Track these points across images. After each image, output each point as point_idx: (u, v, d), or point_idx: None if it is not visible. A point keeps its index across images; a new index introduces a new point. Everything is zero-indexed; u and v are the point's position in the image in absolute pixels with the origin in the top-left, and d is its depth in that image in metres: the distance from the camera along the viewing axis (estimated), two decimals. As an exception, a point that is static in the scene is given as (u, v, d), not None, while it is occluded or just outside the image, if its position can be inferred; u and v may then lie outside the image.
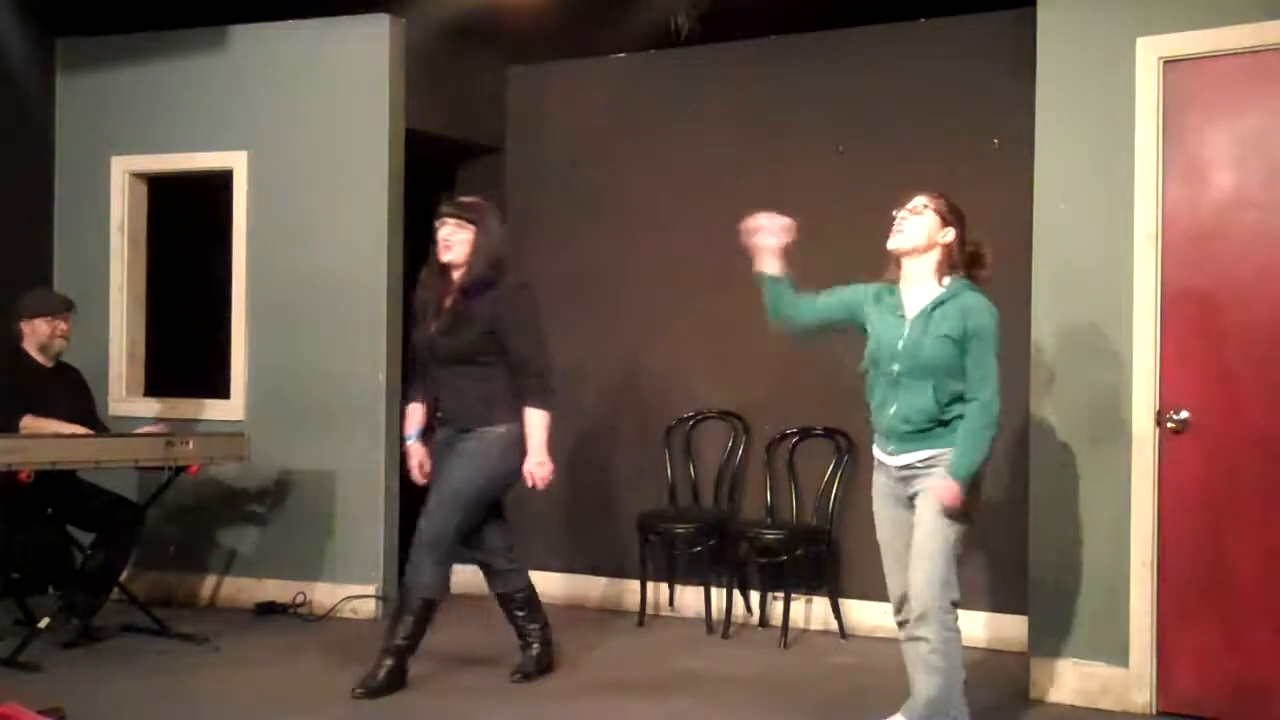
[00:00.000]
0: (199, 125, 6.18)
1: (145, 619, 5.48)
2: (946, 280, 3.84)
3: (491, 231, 4.59)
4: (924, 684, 3.77)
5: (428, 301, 4.63)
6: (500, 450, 4.58)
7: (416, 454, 4.73)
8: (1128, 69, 4.53)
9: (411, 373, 4.86)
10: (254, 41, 6.13)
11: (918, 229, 3.82)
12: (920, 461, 3.81)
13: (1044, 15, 4.73)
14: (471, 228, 4.54)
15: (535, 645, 4.86)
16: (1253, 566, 4.32)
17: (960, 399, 3.76)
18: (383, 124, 5.93)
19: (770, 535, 5.61)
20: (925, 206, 3.83)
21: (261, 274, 6.07)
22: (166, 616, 5.58)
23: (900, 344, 3.80)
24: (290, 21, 6.07)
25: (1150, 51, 4.49)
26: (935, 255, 3.83)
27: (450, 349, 4.55)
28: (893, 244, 3.86)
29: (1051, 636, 4.67)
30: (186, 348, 6.57)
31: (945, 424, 3.77)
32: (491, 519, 4.77)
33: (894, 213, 3.89)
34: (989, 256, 3.94)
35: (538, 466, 4.58)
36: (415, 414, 4.77)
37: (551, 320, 6.48)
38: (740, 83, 6.12)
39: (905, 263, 3.87)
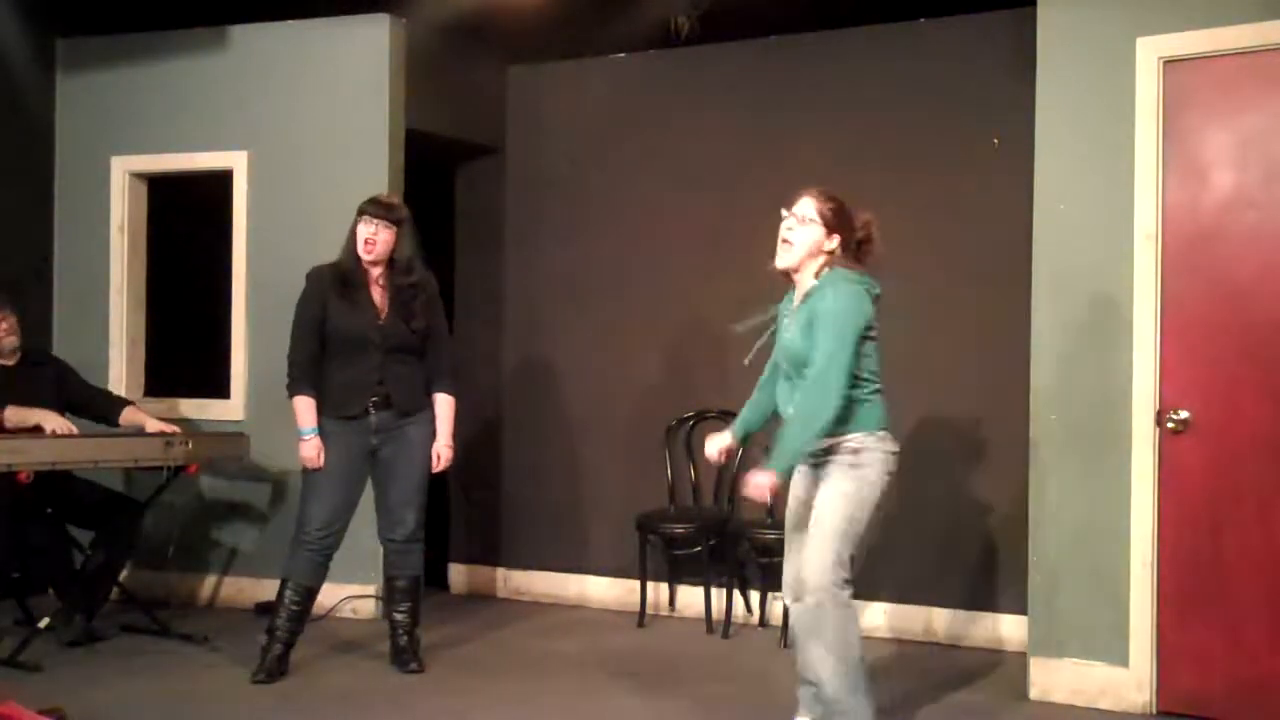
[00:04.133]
0: (199, 125, 6.18)
1: (145, 619, 5.48)
2: (824, 274, 3.83)
3: (410, 231, 4.87)
4: (817, 662, 3.76)
5: (356, 291, 4.80)
6: (434, 432, 4.98)
7: (318, 445, 4.81)
8: (1128, 69, 4.54)
9: (305, 364, 4.82)
10: (254, 41, 6.13)
11: (803, 243, 3.81)
12: (821, 450, 3.78)
13: (1044, 15, 4.74)
14: (394, 229, 4.81)
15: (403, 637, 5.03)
16: (1253, 566, 4.32)
17: (853, 385, 3.73)
18: (383, 124, 5.93)
19: (770, 535, 5.60)
20: (810, 218, 3.80)
21: (261, 274, 6.07)
22: (166, 616, 5.59)
23: (786, 343, 3.89)
24: (290, 21, 6.07)
25: (1150, 51, 4.49)
26: (819, 261, 3.84)
27: (402, 339, 4.83)
28: (779, 264, 3.86)
29: (1051, 636, 4.67)
30: (186, 348, 6.57)
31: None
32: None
33: (782, 212, 3.86)
34: (876, 236, 3.91)
35: (446, 449, 4.96)
36: (313, 406, 4.82)
37: (551, 320, 6.55)
38: (740, 83, 6.12)
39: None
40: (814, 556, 3.74)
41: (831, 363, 3.67)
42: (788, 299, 3.98)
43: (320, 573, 4.89)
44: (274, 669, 4.79)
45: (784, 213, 3.86)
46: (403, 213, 4.84)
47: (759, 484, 3.67)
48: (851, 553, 3.77)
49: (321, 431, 4.81)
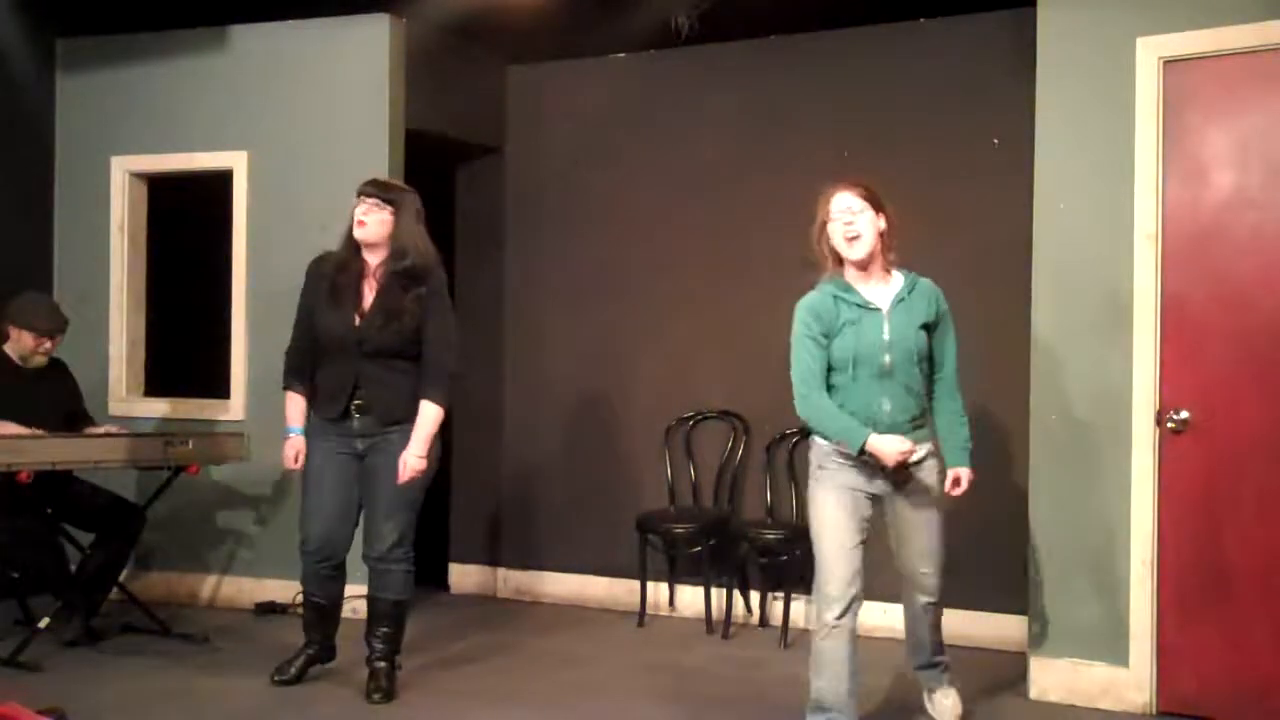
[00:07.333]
0: (199, 125, 6.19)
1: (145, 619, 5.49)
2: (894, 270, 3.96)
3: (410, 216, 4.51)
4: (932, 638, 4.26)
5: (344, 286, 4.51)
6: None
7: (297, 445, 4.59)
8: (1128, 69, 4.54)
9: (295, 357, 4.64)
10: (254, 41, 6.13)
11: (868, 230, 3.86)
12: (918, 458, 3.94)
13: (1044, 15, 4.74)
14: (389, 208, 4.47)
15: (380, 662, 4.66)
16: (1253, 566, 4.33)
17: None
18: (383, 124, 5.93)
19: (770, 535, 5.61)
20: (862, 206, 3.86)
21: (261, 274, 6.07)
22: (166, 616, 5.59)
23: (886, 335, 3.87)
24: (290, 21, 6.07)
25: (1150, 51, 4.49)
26: (877, 245, 3.90)
27: (382, 343, 4.45)
28: (856, 255, 3.87)
29: (1051, 636, 4.68)
30: (186, 348, 6.57)
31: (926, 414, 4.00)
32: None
33: (830, 212, 3.88)
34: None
35: (416, 459, 4.46)
36: (300, 405, 4.61)
37: (551, 320, 6.55)
38: (740, 83, 6.12)
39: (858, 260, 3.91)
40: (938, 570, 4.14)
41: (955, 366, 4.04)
42: (842, 294, 3.89)
43: (328, 585, 4.68)
44: (288, 673, 4.72)
45: (832, 213, 3.87)
46: (400, 195, 4.52)
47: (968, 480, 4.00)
48: None
49: (310, 430, 4.61)
